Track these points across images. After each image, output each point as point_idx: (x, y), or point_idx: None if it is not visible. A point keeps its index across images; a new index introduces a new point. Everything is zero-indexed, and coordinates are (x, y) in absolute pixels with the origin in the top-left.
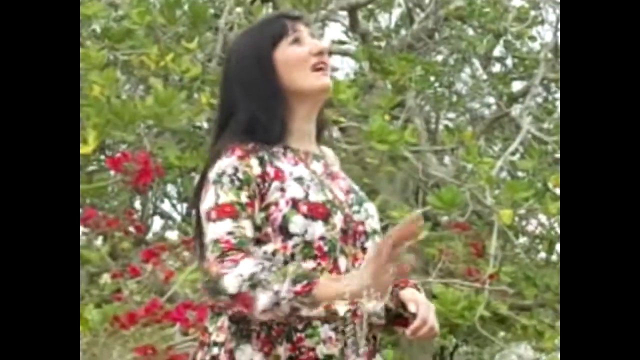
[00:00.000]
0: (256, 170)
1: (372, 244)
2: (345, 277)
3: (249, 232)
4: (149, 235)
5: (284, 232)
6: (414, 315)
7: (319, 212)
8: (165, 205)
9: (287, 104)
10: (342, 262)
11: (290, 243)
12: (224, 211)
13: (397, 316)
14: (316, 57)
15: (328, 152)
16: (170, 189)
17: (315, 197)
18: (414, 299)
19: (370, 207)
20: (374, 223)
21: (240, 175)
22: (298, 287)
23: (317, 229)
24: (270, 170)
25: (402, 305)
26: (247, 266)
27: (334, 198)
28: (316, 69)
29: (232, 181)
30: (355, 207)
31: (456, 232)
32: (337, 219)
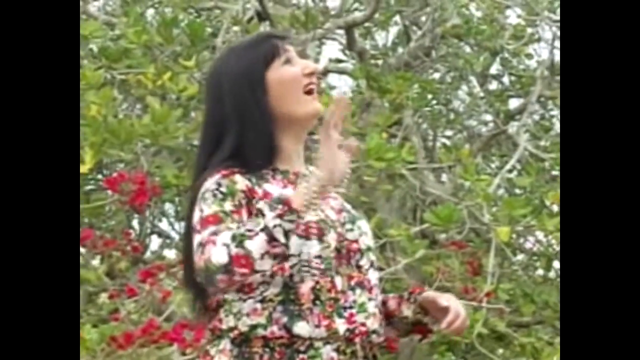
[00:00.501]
0: (241, 185)
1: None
2: (302, 181)
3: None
4: (147, 255)
5: None
6: (436, 317)
7: (313, 232)
8: (163, 224)
9: (277, 125)
10: (338, 280)
11: (287, 264)
12: (207, 221)
13: (415, 323)
14: (307, 78)
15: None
16: (168, 207)
17: (310, 217)
18: (440, 295)
19: (363, 224)
20: (367, 240)
21: (223, 189)
22: (279, 211)
23: (313, 248)
24: (259, 190)
25: (422, 310)
26: (225, 234)
27: (326, 218)
28: (307, 91)
29: (214, 195)
30: (348, 226)
31: (453, 250)
32: (331, 238)
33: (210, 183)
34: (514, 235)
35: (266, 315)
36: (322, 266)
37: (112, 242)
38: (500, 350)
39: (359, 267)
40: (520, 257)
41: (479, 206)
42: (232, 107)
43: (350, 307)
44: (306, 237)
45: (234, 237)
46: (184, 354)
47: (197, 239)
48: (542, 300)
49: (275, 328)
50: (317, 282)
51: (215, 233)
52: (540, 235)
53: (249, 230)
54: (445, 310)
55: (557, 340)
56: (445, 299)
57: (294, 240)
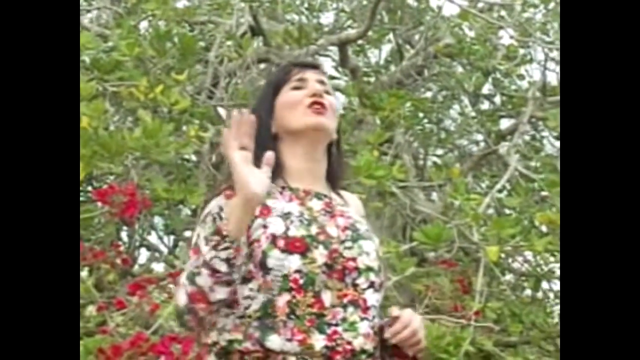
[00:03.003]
0: None
1: None
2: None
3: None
4: (135, 268)
5: (264, 267)
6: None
7: (296, 246)
8: (152, 238)
9: (284, 145)
10: (327, 296)
11: (269, 277)
12: (194, 250)
13: (396, 347)
14: (311, 98)
15: (350, 197)
16: (157, 221)
17: (295, 232)
18: (400, 310)
19: (367, 245)
20: (368, 260)
21: (223, 213)
22: (213, 242)
23: (294, 262)
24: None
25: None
26: (183, 275)
27: (319, 234)
28: (310, 107)
29: (214, 220)
30: (348, 244)
31: (443, 269)
32: (318, 254)
33: (213, 205)
34: (502, 255)
35: (242, 331)
36: (301, 281)
37: (101, 254)
38: None
39: (354, 285)
40: (509, 277)
41: (469, 225)
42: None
43: (336, 325)
44: (288, 251)
45: (187, 276)
46: None
47: (186, 266)
48: (530, 320)
49: (249, 344)
50: (294, 297)
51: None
52: (529, 255)
53: (197, 267)
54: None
55: None
56: (401, 311)
57: (276, 254)
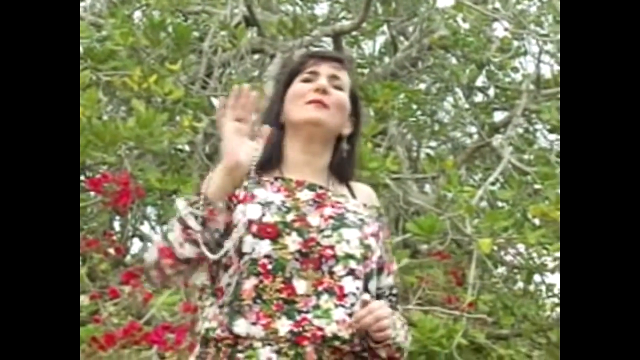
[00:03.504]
0: None
1: None
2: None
3: None
4: (128, 258)
5: (239, 252)
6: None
7: (267, 232)
8: (145, 228)
9: (287, 135)
10: (301, 284)
11: (242, 262)
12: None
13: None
14: (315, 93)
15: (361, 188)
16: (150, 211)
17: (270, 218)
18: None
19: (349, 233)
20: (347, 247)
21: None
22: (191, 200)
23: (264, 247)
24: (240, 193)
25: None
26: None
27: (295, 221)
28: (309, 102)
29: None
30: (327, 232)
31: (436, 261)
32: (290, 240)
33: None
34: (495, 248)
35: (218, 319)
36: (269, 266)
37: (93, 243)
38: None
39: (331, 273)
40: (501, 269)
41: (462, 217)
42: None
43: (307, 312)
44: (260, 236)
45: (162, 234)
46: (162, 357)
47: None
48: (522, 313)
49: (219, 330)
50: (261, 281)
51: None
52: (521, 248)
53: (172, 225)
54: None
55: (536, 353)
56: (369, 298)
57: (249, 239)
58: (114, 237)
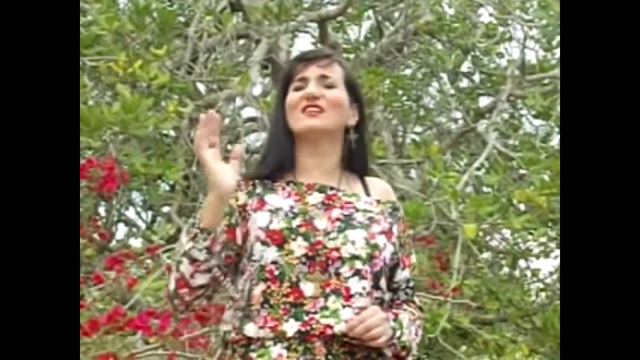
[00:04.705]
0: (241, 201)
1: None
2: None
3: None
4: (113, 243)
5: (250, 259)
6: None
7: (274, 239)
8: (130, 213)
9: (297, 142)
10: (308, 287)
11: (252, 268)
12: None
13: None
14: (306, 101)
15: (376, 184)
16: (135, 196)
17: (277, 225)
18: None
19: (354, 234)
20: (353, 249)
21: (225, 207)
22: (191, 234)
23: (271, 254)
24: (253, 201)
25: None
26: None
27: (301, 226)
28: (304, 111)
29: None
30: (333, 235)
31: (421, 246)
32: (296, 245)
33: None
34: (480, 233)
35: (233, 323)
36: (276, 272)
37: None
38: (464, 347)
39: (337, 274)
40: (486, 254)
41: (447, 203)
42: (269, 126)
43: (315, 312)
44: (267, 243)
45: (175, 264)
46: (148, 342)
47: None
48: (507, 298)
49: (234, 334)
50: (269, 287)
51: None
52: (506, 233)
53: (180, 256)
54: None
55: (521, 338)
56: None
57: (258, 247)
58: (99, 223)
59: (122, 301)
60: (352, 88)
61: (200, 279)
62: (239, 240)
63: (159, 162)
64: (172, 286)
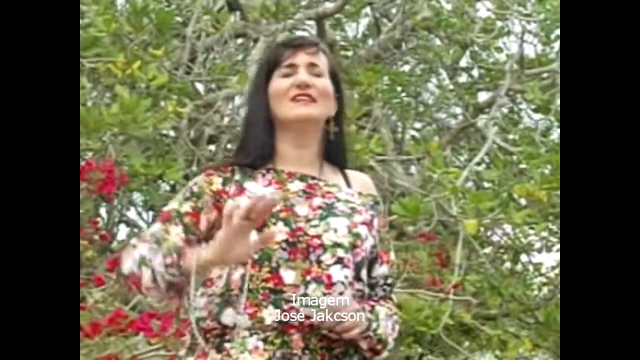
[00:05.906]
0: (215, 186)
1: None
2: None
3: (172, 236)
4: (114, 244)
5: None
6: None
7: None
8: (131, 214)
9: (278, 129)
10: (289, 274)
11: None
12: (161, 215)
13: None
14: (297, 89)
15: (356, 176)
16: (136, 197)
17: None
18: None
19: (336, 222)
20: (335, 237)
21: (195, 188)
22: (168, 260)
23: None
24: (231, 188)
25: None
26: (142, 249)
27: (281, 211)
28: (294, 99)
29: (184, 193)
30: (315, 222)
31: (421, 242)
32: (276, 230)
33: (193, 180)
34: (481, 228)
35: (208, 309)
36: (255, 256)
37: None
38: (467, 343)
39: (319, 262)
40: (488, 250)
41: (447, 199)
42: (246, 112)
43: (295, 301)
44: None
45: (142, 258)
46: (150, 343)
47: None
48: (509, 293)
49: (209, 321)
50: (248, 271)
51: (143, 240)
52: (507, 228)
53: (149, 260)
54: None
55: (523, 332)
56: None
57: None
58: (100, 224)
59: (124, 303)
60: (334, 78)
61: (152, 293)
62: (202, 227)
63: (158, 163)
64: (125, 271)
